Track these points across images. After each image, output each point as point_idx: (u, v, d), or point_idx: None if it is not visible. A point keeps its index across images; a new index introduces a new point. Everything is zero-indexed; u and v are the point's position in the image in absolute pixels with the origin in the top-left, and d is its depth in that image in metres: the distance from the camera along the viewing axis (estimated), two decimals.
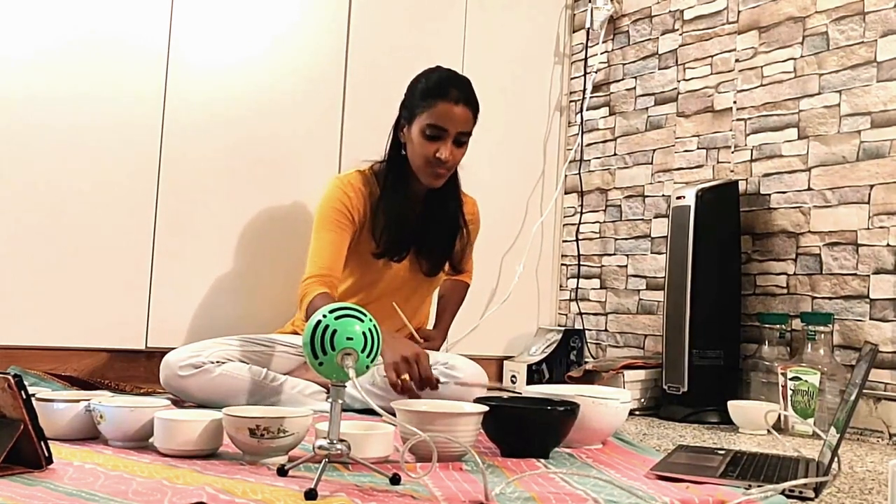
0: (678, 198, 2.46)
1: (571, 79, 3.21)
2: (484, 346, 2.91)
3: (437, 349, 2.33)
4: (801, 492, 1.31)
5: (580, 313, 3.05)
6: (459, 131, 2.15)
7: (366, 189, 2.23)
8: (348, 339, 1.26)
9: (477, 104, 2.20)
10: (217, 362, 2.06)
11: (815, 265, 2.32)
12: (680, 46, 2.79)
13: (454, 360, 2.13)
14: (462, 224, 2.34)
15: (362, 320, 1.29)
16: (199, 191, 2.51)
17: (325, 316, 1.28)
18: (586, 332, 3.01)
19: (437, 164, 2.15)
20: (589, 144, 3.11)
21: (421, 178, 2.20)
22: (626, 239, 2.93)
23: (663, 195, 2.79)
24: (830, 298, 2.28)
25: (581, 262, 3.08)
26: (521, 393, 2.09)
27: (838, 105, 2.30)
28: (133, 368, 2.41)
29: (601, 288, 3.01)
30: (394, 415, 1.47)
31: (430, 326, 2.52)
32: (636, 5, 2.97)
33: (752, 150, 2.52)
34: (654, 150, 2.85)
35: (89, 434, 1.53)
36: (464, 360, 2.14)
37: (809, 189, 2.36)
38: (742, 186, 2.51)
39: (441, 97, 2.14)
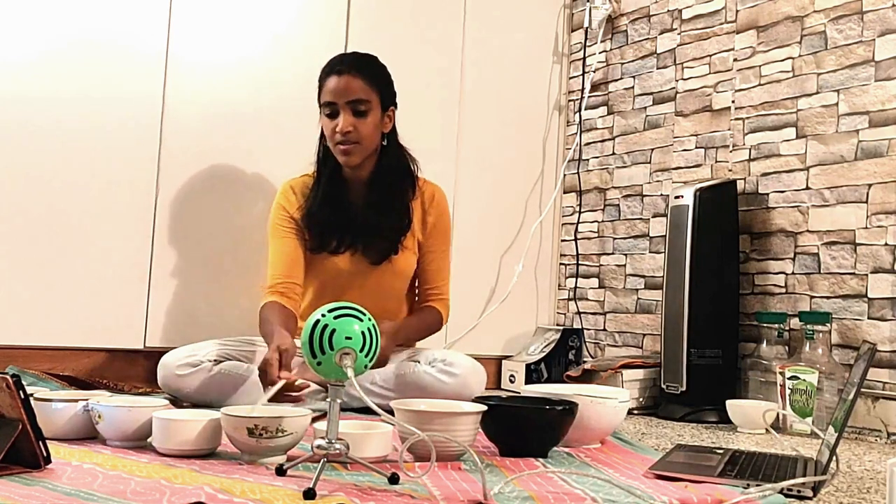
0: (676, 197, 2.46)
1: (570, 78, 3.21)
2: (482, 345, 2.91)
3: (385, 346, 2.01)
4: (799, 491, 1.31)
5: (579, 312, 3.05)
6: (348, 101, 2.11)
7: (301, 190, 2.24)
8: (347, 338, 1.26)
9: (370, 70, 2.16)
10: (214, 360, 2.06)
11: (813, 264, 2.33)
12: (678, 46, 2.79)
13: (452, 356, 2.12)
14: (407, 209, 2.23)
15: (361, 319, 1.29)
16: (199, 191, 2.51)
17: (323, 315, 1.28)
18: (585, 331, 3.01)
19: (339, 139, 2.12)
20: (587, 144, 3.11)
21: (337, 158, 2.17)
22: (624, 238, 2.93)
23: (661, 194, 2.79)
24: (829, 298, 2.28)
25: (580, 262, 3.08)
26: (518, 392, 2.09)
27: (836, 104, 2.30)
28: (131, 368, 2.40)
29: (600, 287, 3.01)
30: (392, 414, 1.47)
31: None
32: (634, 5, 2.97)
33: (750, 150, 2.52)
34: (653, 150, 2.85)
35: (87, 434, 1.53)
36: (462, 356, 2.14)
37: (808, 188, 2.36)
38: (740, 186, 2.52)
39: (327, 75, 2.16)
